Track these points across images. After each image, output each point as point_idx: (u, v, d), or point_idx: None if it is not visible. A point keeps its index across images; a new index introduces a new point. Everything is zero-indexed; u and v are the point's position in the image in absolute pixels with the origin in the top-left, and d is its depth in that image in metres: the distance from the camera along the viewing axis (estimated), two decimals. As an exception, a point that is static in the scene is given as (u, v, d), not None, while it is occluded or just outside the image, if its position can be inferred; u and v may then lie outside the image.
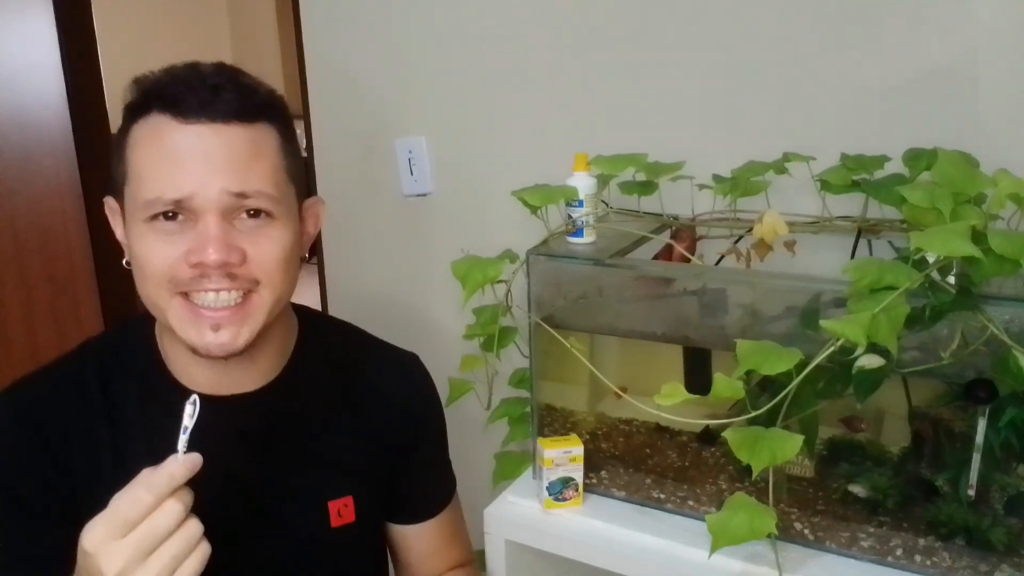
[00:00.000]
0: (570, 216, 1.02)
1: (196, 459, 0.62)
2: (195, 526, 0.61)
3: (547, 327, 0.97)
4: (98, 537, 0.59)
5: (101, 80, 1.87)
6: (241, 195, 0.73)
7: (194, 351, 0.75)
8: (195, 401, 0.64)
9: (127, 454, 0.80)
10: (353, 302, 1.67)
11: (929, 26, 1.03)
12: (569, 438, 0.98)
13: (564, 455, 0.96)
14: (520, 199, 0.99)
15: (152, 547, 0.59)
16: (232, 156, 0.73)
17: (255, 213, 0.75)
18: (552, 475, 0.97)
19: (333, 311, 1.70)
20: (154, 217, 0.73)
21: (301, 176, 0.83)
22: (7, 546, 0.78)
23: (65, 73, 1.69)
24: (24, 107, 1.68)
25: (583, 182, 1.01)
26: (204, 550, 0.61)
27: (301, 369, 0.88)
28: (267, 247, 0.75)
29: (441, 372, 1.16)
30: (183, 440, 0.63)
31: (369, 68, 1.49)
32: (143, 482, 0.60)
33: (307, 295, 1.42)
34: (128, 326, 0.88)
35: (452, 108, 1.42)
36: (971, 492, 0.82)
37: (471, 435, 1.23)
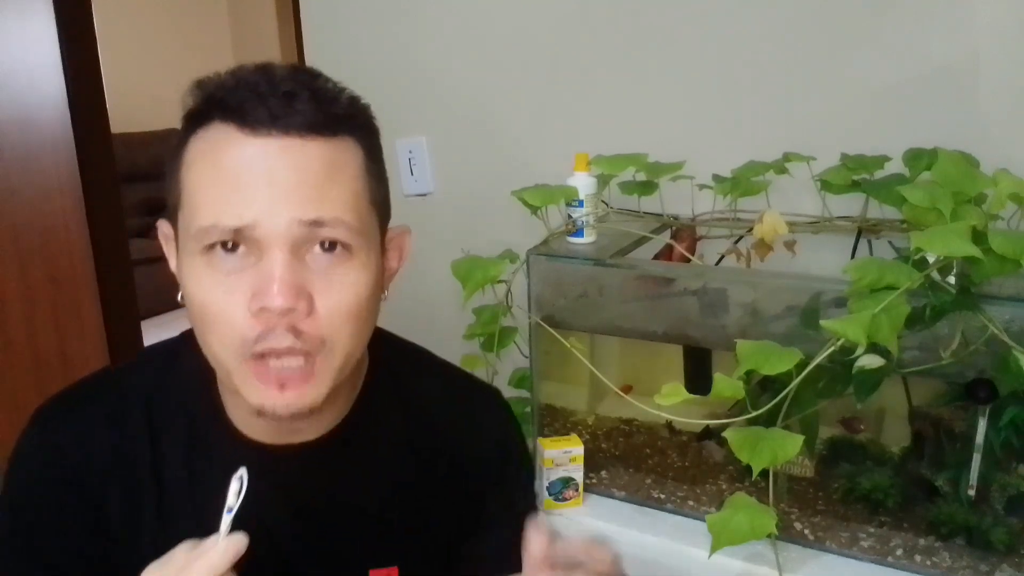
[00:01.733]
0: (570, 216, 1.02)
1: (241, 543, 0.55)
2: None
3: (547, 327, 0.97)
4: None
5: (101, 80, 1.86)
6: (315, 223, 0.61)
7: (260, 413, 0.65)
8: (242, 478, 0.57)
9: (172, 508, 0.71)
10: (353, 302, 1.67)
11: (930, 27, 1.03)
12: (569, 438, 0.98)
13: (564, 455, 0.96)
14: (520, 199, 0.99)
15: None
16: (306, 177, 0.62)
17: (331, 246, 0.63)
18: (552, 475, 0.97)
19: (333, 311, 1.69)
20: (210, 247, 0.61)
21: (386, 202, 0.71)
22: None
23: (65, 73, 1.68)
24: (24, 107, 1.68)
25: (583, 182, 1.01)
26: None
27: (364, 419, 0.76)
28: (340, 295, 0.64)
29: (441, 372, 1.16)
30: (227, 520, 0.55)
31: (369, 68, 1.49)
32: (180, 570, 0.54)
33: (307, 295, 1.42)
34: (180, 354, 0.75)
35: (452, 108, 1.42)
36: (971, 492, 0.82)
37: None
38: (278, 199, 0.61)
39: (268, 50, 5.64)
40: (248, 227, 0.60)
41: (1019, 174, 0.79)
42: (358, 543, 0.76)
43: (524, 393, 1.15)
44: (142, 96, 4.96)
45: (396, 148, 1.49)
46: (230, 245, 0.61)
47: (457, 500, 0.79)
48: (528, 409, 1.11)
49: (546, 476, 0.97)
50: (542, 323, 0.98)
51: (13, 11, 1.64)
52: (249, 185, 0.61)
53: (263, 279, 0.60)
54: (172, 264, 0.69)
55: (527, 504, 0.83)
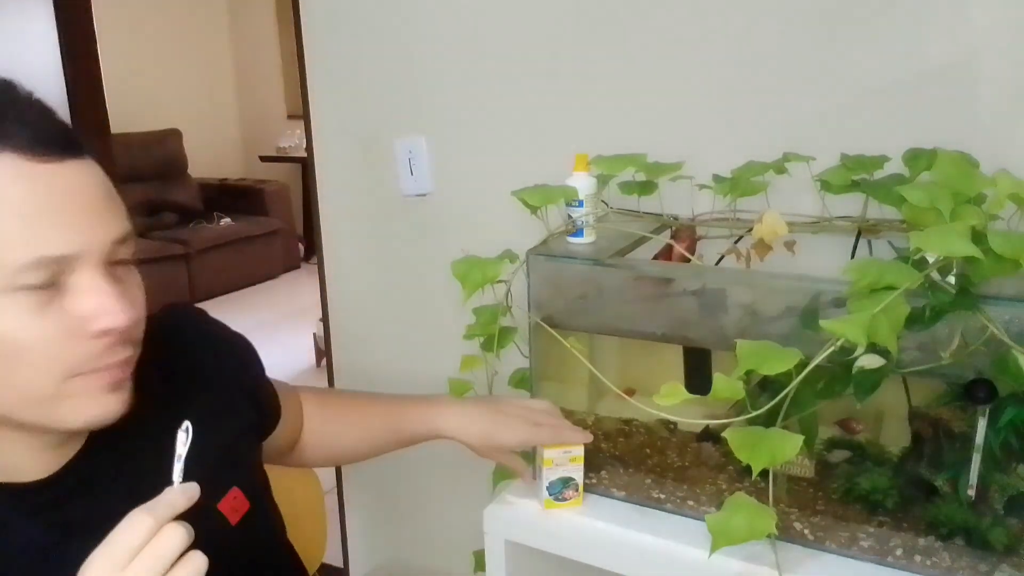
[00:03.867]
0: (570, 216, 1.02)
1: (194, 488, 0.57)
2: (200, 559, 0.56)
3: (547, 327, 0.97)
4: (98, 570, 0.53)
5: (101, 80, 1.87)
6: (120, 240, 0.62)
7: (88, 427, 0.65)
8: (187, 428, 0.59)
9: None
10: (352, 302, 1.67)
11: (929, 26, 1.03)
12: None
13: (564, 455, 0.96)
14: (520, 199, 0.99)
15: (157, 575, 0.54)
16: (102, 195, 0.61)
17: (120, 260, 0.64)
18: (552, 475, 0.96)
19: (333, 311, 1.70)
20: (22, 288, 0.57)
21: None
22: None
23: (65, 73, 1.69)
24: (24, 107, 1.68)
25: (583, 182, 1.01)
26: None
27: (137, 400, 0.73)
28: (139, 299, 0.66)
29: (441, 372, 1.17)
30: (178, 469, 0.59)
31: (369, 68, 1.49)
32: (142, 508, 0.55)
33: (307, 295, 1.42)
34: None
35: (452, 108, 1.42)
36: (971, 492, 0.82)
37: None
38: (92, 221, 0.60)
39: (268, 50, 5.65)
40: (72, 256, 0.58)
41: (1019, 174, 0.79)
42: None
43: (524, 393, 1.14)
44: (142, 96, 4.96)
45: (395, 148, 1.49)
46: (43, 281, 0.58)
47: (228, 405, 0.86)
48: (528, 409, 1.11)
49: (546, 476, 0.96)
50: (542, 323, 0.98)
51: (13, 12, 1.64)
52: (62, 212, 0.58)
53: (95, 302, 0.60)
54: None
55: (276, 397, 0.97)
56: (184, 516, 0.75)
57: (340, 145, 1.58)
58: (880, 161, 0.96)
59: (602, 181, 1.08)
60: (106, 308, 0.60)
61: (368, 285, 1.64)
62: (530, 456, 1.04)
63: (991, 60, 1.01)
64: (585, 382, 1.08)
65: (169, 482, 0.58)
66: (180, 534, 0.55)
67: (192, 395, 0.82)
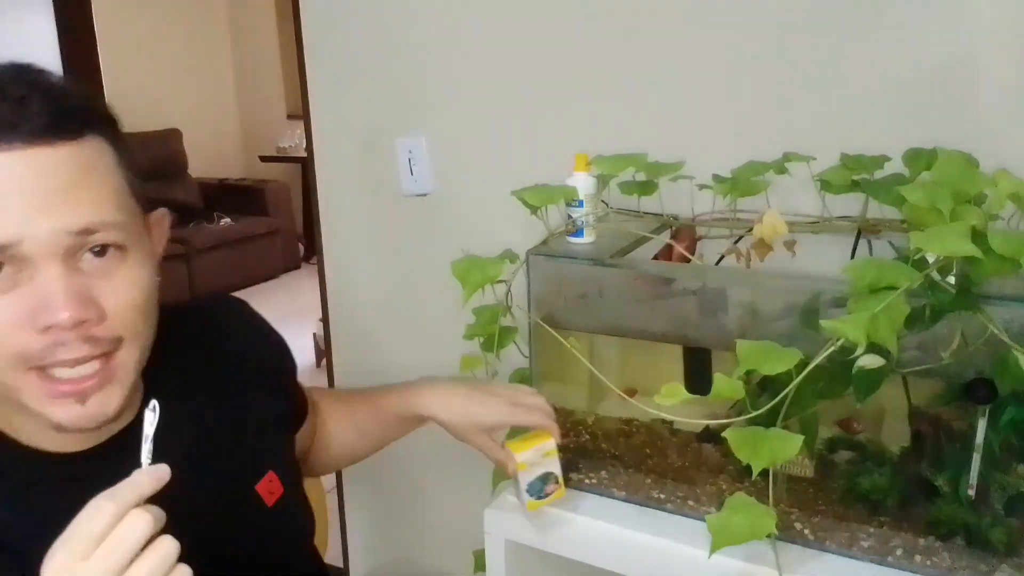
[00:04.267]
0: (570, 216, 1.02)
1: (163, 470, 0.54)
2: (169, 544, 0.53)
3: (547, 327, 0.97)
4: (59, 563, 0.51)
5: (101, 80, 1.87)
6: (84, 232, 0.59)
7: (60, 428, 0.63)
8: (155, 407, 0.57)
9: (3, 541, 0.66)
10: (352, 302, 1.67)
11: (929, 26, 1.03)
12: (536, 434, 0.93)
13: (536, 453, 0.91)
14: (520, 199, 0.99)
15: (120, 566, 0.51)
16: (62, 185, 0.59)
17: (101, 250, 0.61)
18: (528, 476, 0.91)
19: (333, 311, 1.70)
20: None
21: (143, 189, 0.69)
22: None
23: (65, 73, 1.69)
24: (24, 107, 1.68)
25: (583, 182, 1.01)
26: (183, 573, 0.53)
27: (159, 382, 0.75)
28: (125, 293, 0.63)
29: (441, 372, 1.16)
30: (146, 450, 0.56)
31: (369, 68, 1.49)
32: (104, 494, 0.52)
33: (307, 295, 1.42)
34: None
35: (452, 108, 1.42)
36: (971, 492, 0.82)
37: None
38: (38, 211, 0.58)
39: (268, 50, 5.65)
40: (12, 244, 0.57)
41: (1019, 174, 0.79)
42: (230, 471, 0.81)
43: (524, 393, 1.15)
44: (142, 96, 4.96)
45: (396, 148, 1.49)
46: None
47: (264, 389, 0.89)
48: (528, 409, 1.11)
49: (522, 480, 0.91)
50: (542, 323, 0.98)
51: (13, 11, 1.64)
52: (4, 200, 0.57)
53: (43, 295, 0.58)
54: None
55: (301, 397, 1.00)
56: (223, 496, 0.80)
57: (340, 145, 1.58)
58: (880, 161, 0.96)
59: (602, 181, 1.07)
60: (49, 302, 0.58)
61: (368, 285, 1.64)
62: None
63: (991, 60, 1.01)
64: (585, 382, 1.08)
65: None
66: (145, 520, 0.52)
67: (233, 378, 0.86)
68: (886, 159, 0.96)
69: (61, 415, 0.62)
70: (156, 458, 0.57)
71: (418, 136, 1.46)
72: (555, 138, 1.31)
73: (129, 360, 0.65)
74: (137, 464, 0.57)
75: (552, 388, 1.07)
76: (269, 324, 0.97)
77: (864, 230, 0.97)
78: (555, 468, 0.92)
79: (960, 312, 0.75)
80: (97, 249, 0.61)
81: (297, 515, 0.92)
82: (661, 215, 1.10)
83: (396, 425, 1.03)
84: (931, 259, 0.73)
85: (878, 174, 0.95)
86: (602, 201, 1.12)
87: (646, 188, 1.07)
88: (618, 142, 1.11)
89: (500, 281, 1.01)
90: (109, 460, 0.68)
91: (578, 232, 1.02)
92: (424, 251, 1.53)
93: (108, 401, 0.64)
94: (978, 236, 0.72)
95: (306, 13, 1.54)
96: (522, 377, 1.16)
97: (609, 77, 1.26)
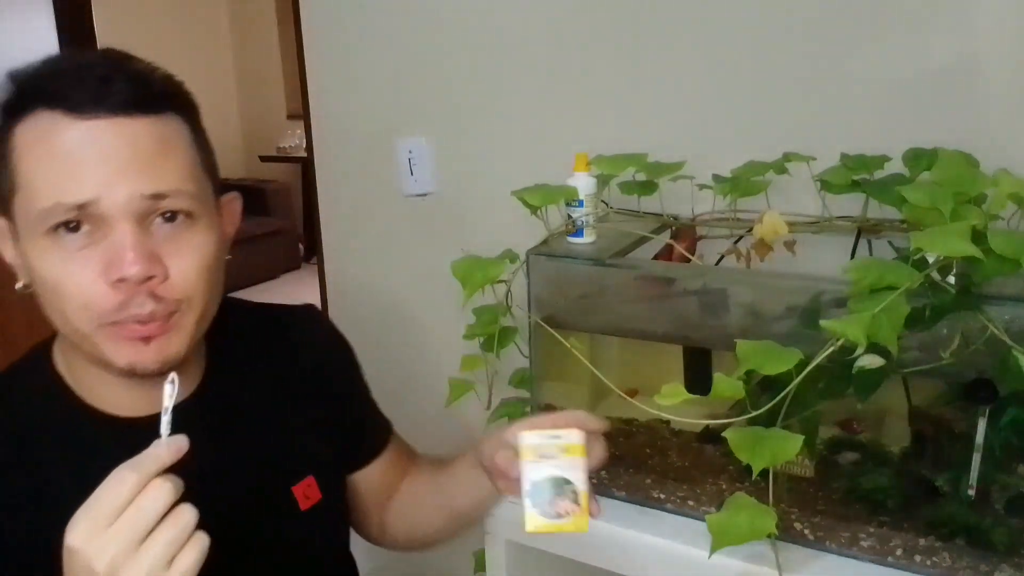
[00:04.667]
0: (570, 216, 1.02)
1: (182, 441, 0.56)
2: (189, 512, 0.55)
3: (547, 327, 0.97)
4: (82, 532, 0.53)
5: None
6: (156, 196, 0.65)
7: (131, 371, 0.67)
8: (173, 380, 0.59)
9: (48, 495, 0.70)
10: (353, 302, 1.67)
11: (930, 26, 1.03)
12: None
13: (550, 442, 0.68)
14: (520, 199, 0.99)
15: (141, 535, 0.53)
16: (139, 153, 0.64)
17: (171, 216, 0.67)
18: (535, 472, 0.68)
19: (333, 311, 1.70)
20: (55, 228, 0.64)
21: (216, 170, 0.75)
22: None
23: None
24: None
25: (583, 182, 1.01)
26: (202, 541, 0.55)
27: (222, 366, 0.82)
28: (190, 258, 0.68)
29: (441, 372, 1.16)
30: (165, 422, 0.58)
31: (369, 68, 1.49)
32: (126, 464, 0.55)
33: (307, 295, 1.43)
34: (19, 365, 0.79)
35: (452, 108, 1.42)
36: (971, 492, 0.82)
37: (471, 435, 1.23)
38: (116, 175, 0.63)
39: (268, 50, 5.65)
40: (91, 203, 0.63)
41: (1019, 174, 0.79)
42: (267, 472, 0.82)
43: (524, 393, 1.14)
44: None
45: (396, 148, 1.49)
46: (72, 225, 0.64)
47: (325, 400, 0.89)
48: (528, 409, 1.11)
49: (526, 477, 0.68)
50: (542, 323, 0.98)
51: (13, 11, 1.64)
52: (85, 164, 0.63)
53: (115, 251, 0.64)
54: (7, 256, 0.71)
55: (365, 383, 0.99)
56: (258, 489, 0.81)
57: (340, 145, 1.58)
58: (880, 161, 0.96)
59: (602, 181, 1.07)
60: (120, 257, 0.63)
61: (368, 285, 1.63)
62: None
63: (992, 60, 1.01)
64: (585, 382, 1.08)
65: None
66: (166, 490, 0.54)
67: (292, 379, 0.88)
68: (886, 159, 0.96)
69: (129, 353, 0.67)
70: (202, 435, 0.60)
71: (418, 136, 1.46)
72: (555, 138, 1.31)
73: (189, 320, 0.69)
74: (203, 434, 0.60)
75: (552, 388, 1.07)
76: (345, 340, 0.98)
77: (864, 230, 0.97)
78: (576, 476, 0.68)
79: (960, 312, 0.75)
80: (168, 215, 0.66)
81: (332, 525, 0.90)
82: (661, 215, 1.10)
83: (466, 484, 0.89)
84: (931, 259, 0.73)
85: (878, 174, 0.95)
86: (602, 201, 1.12)
87: (646, 188, 1.07)
88: (618, 142, 1.11)
89: (500, 281, 1.01)
90: (197, 412, 0.74)
91: (578, 232, 1.02)
92: (424, 251, 1.53)
93: (170, 345, 0.68)
94: (978, 236, 0.72)
95: (306, 13, 1.54)
96: (522, 377, 1.16)
97: (609, 77, 1.26)
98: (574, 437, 0.69)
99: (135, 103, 0.65)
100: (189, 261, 0.68)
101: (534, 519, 0.68)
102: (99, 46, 1.87)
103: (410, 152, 1.47)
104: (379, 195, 1.55)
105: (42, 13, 1.67)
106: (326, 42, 1.53)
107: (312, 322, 0.96)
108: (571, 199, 1.01)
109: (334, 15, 1.50)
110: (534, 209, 0.98)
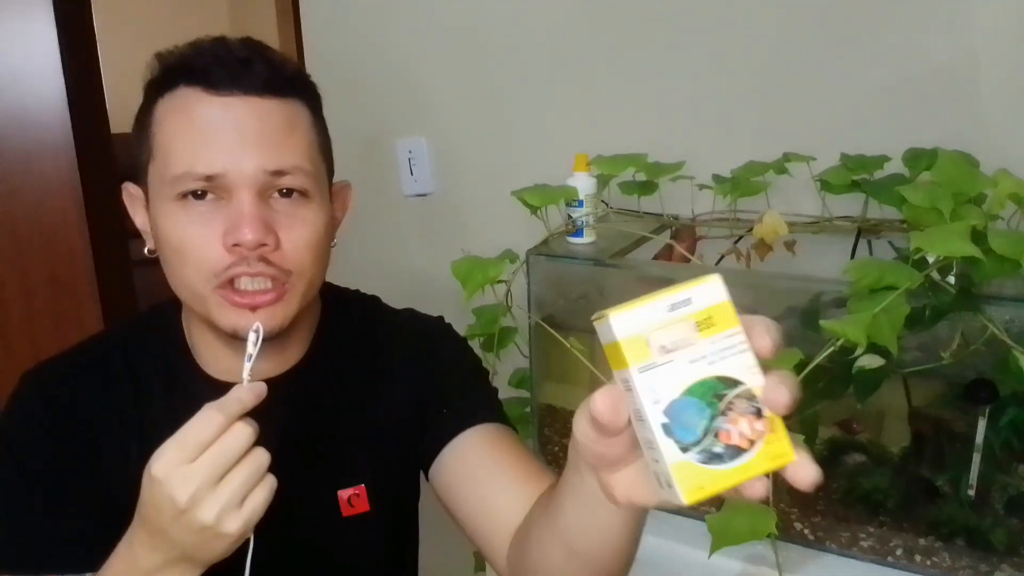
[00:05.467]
0: (570, 216, 1.02)
1: (262, 388, 0.60)
2: (263, 455, 0.59)
3: (547, 327, 0.97)
4: (168, 462, 0.57)
5: (101, 80, 1.87)
6: (278, 172, 0.70)
7: (234, 335, 0.71)
8: (258, 329, 0.64)
9: (153, 443, 0.70)
10: (353, 302, 1.67)
11: (930, 26, 1.03)
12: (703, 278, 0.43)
13: (672, 317, 0.41)
14: (520, 199, 0.99)
15: (222, 471, 0.57)
16: (267, 131, 0.70)
17: (289, 192, 0.71)
18: (664, 386, 0.40)
19: (333, 311, 1.70)
20: (184, 195, 0.69)
21: (331, 156, 0.81)
22: (26, 530, 0.74)
23: (65, 73, 1.68)
24: (24, 108, 1.68)
25: (583, 182, 1.01)
26: (272, 482, 0.59)
27: (323, 353, 0.84)
28: (301, 232, 0.72)
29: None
30: (247, 368, 0.62)
31: (369, 68, 1.49)
32: (212, 405, 0.58)
33: (307, 295, 1.43)
34: (154, 313, 0.84)
35: (452, 108, 1.42)
36: (971, 492, 0.82)
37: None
38: (244, 149, 0.68)
39: (268, 50, 5.64)
40: (219, 175, 0.68)
41: (1019, 174, 0.79)
42: (323, 467, 0.82)
43: (524, 393, 1.14)
44: (142, 96, 4.96)
45: (396, 148, 1.49)
46: (200, 192, 0.68)
47: (416, 416, 0.84)
48: (528, 409, 1.11)
49: (646, 400, 0.40)
50: (542, 323, 0.98)
51: (13, 12, 1.64)
52: (218, 137, 0.68)
53: (235, 218, 0.68)
54: (138, 221, 0.77)
55: (473, 374, 0.88)
56: (301, 487, 0.77)
57: (340, 145, 1.57)
58: (880, 161, 0.96)
59: (602, 181, 1.07)
60: (238, 224, 0.67)
61: (368, 285, 1.63)
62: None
63: (991, 60, 1.01)
64: (585, 383, 1.08)
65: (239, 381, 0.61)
66: (247, 433, 0.58)
67: (388, 383, 0.86)
68: (886, 159, 0.96)
69: (237, 320, 0.70)
70: (282, 409, 0.64)
71: (418, 136, 1.46)
72: (555, 138, 1.31)
73: (295, 292, 0.73)
74: (283, 408, 0.64)
75: (552, 388, 1.07)
76: (461, 361, 0.89)
77: (864, 230, 0.97)
78: (742, 366, 0.41)
79: (960, 312, 0.75)
80: (285, 191, 0.71)
81: (374, 539, 0.85)
82: (661, 215, 1.10)
83: (570, 499, 0.59)
84: (931, 259, 0.73)
85: (878, 174, 0.95)
86: (602, 201, 1.12)
87: (646, 188, 1.07)
88: (618, 142, 1.11)
89: (500, 281, 1.01)
90: (273, 394, 0.71)
91: (578, 232, 1.02)
92: (424, 251, 1.53)
93: (274, 316, 0.71)
94: (978, 236, 0.72)
95: (306, 13, 1.54)
96: (522, 377, 1.16)
97: (610, 77, 1.26)
98: (714, 289, 0.40)
99: (268, 85, 0.70)
100: (300, 234, 0.71)
101: (690, 473, 0.38)
102: (99, 46, 1.87)
103: (410, 152, 1.47)
104: (379, 195, 1.55)
105: (42, 14, 1.67)
106: (326, 42, 1.53)
107: (429, 336, 0.89)
108: (571, 199, 1.01)
109: (334, 15, 1.50)
110: (534, 209, 0.98)
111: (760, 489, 0.41)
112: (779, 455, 0.40)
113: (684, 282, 0.41)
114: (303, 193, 0.72)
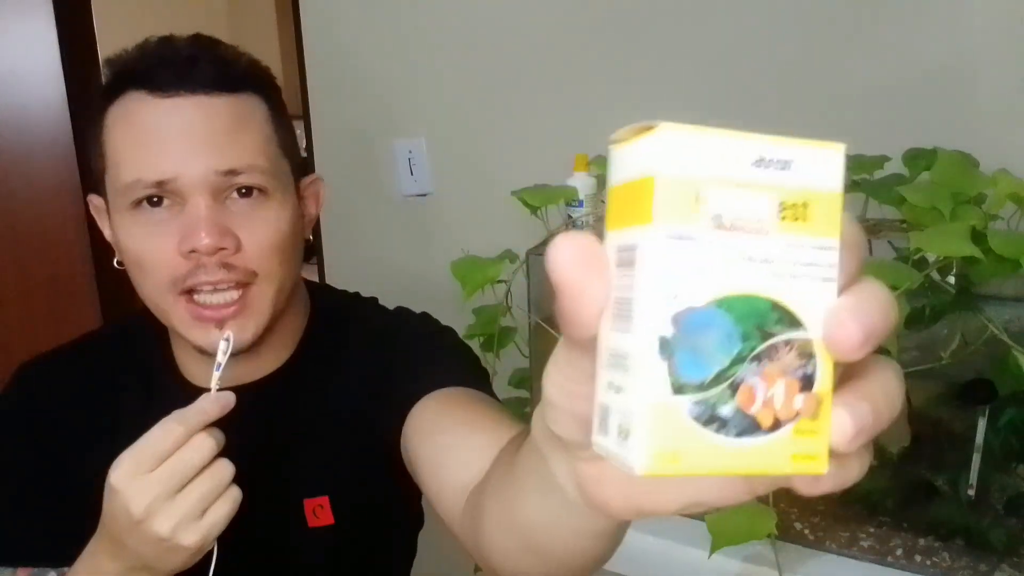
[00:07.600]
0: (570, 216, 1.02)
1: (229, 397, 0.58)
2: (226, 467, 0.57)
3: (547, 327, 0.97)
4: (125, 472, 0.56)
5: (101, 80, 1.87)
6: (231, 172, 0.67)
7: (201, 351, 0.70)
8: (228, 338, 0.63)
9: (125, 445, 0.68)
10: (353, 302, 1.67)
11: (929, 27, 1.03)
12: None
13: (764, 176, 0.26)
14: (520, 199, 0.99)
15: (180, 483, 0.56)
16: (217, 130, 0.67)
17: (247, 192, 0.68)
18: (687, 269, 0.24)
19: (333, 311, 1.69)
20: (137, 204, 0.67)
21: (296, 150, 0.76)
22: None
23: (65, 74, 1.68)
24: (24, 108, 1.68)
25: (583, 182, 1.01)
26: (235, 495, 0.58)
27: (305, 360, 0.81)
28: (263, 232, 0.69)
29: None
30: (216, 377, 0.60)
31: (369, 68, 1.49)
32: (173, 416, 0.57)
33: (307, 295, 1.43)
34: (144, 314, 0.80)
35: (452, 108, 1.42)
36: (971, 492, 0.82)
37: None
38: (194, 151, 0.66)
39: (268, 51, 5.64)
40: (169, 180, 0.65)
41: (1019, 174, 0.79)
42: (291, 476, 0.79)
43: (524, 393, 1.14)
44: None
45: (395, 148, 1.49)
46: (155, 199, 0.67)
47: (375, 413, 0.76)
48: (528, 409, 1.11)
49: (644, 292, 0.24)
50: (542, 323, 0.98)
51: (13, 12, 1.64)
52: (165, 141, 0.66)
53: (189, 224, 0.66)
54: (106, 233, 0.74)
55: (448, 377, 0.74)
56: (268, 496, 0.74)
57: (340, 145, 1.58)
58: (880, 161, 0.96)
59: (602, 181, 1.07)
60: (193, 230, 0.65)
61: (368, 285, 1.63)
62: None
63: (991, 60, 1.01)
64: (585, 382, 1.08)
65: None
66: (208, 444, 0.56)
67: (345, 390, 0.80)
68: (886, 159, 0.96)
69: (202, 338, 0.69)
70: (238, 426, 0.59)
71: (418, 137, 1.46)
72: (555, 138, 1.31)
73: (263, 297, 0.70)
74: (258, 414, 0.62)
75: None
76: (423, 334, 0.83)
77: (864, 230, 0.97)
78: (816, 313, 0.25)
79: (959, 312, 0.75)
80: (243, 191, 0.68)
81: (338, 551, 0.81)
82: (661, 215, 1.10)
83: (523, 477, 0.44)
84: (931, 259, 0.73)
85: (878, 174, 0.95)
86: (602, 201, 1.12)
87: (646, 188, 1.07)
88: (618, 142, 1.11)
89: (500, 281, 1.01)
90: (247, 402, 0.68)
91: (578, 232, 1.01)
92: (424, 251, 1.53)
93: (243, 328, 0.69)
94: (978, 236, 0.72)
95: (306, 13, 1.54)
96: (522, 377, 1.16)
97: (609, 77, 1.26)
98: (829, 165, 0.27)
99: (216, 82, 0.67)
100: (262, 234, 0.69)
101: (671, 428, 0.23)
102: (99, 47, 1.87)
103: (409, 152, 1.47)
104: (379, 195, 1.55)
105: (42, 14, 1.67)
106: (326, 42, 1.53)
107: (387, 329, 0.84)
108: (571, 199, 1.01)
109: (334, 15, 1.50)
110: (534, 209, 0.98)
111: (744, 494, 0.30)
112: (807, 457, 0.24)
113: (789, 138, 0.26)
114: (262, 191, 0.69)
